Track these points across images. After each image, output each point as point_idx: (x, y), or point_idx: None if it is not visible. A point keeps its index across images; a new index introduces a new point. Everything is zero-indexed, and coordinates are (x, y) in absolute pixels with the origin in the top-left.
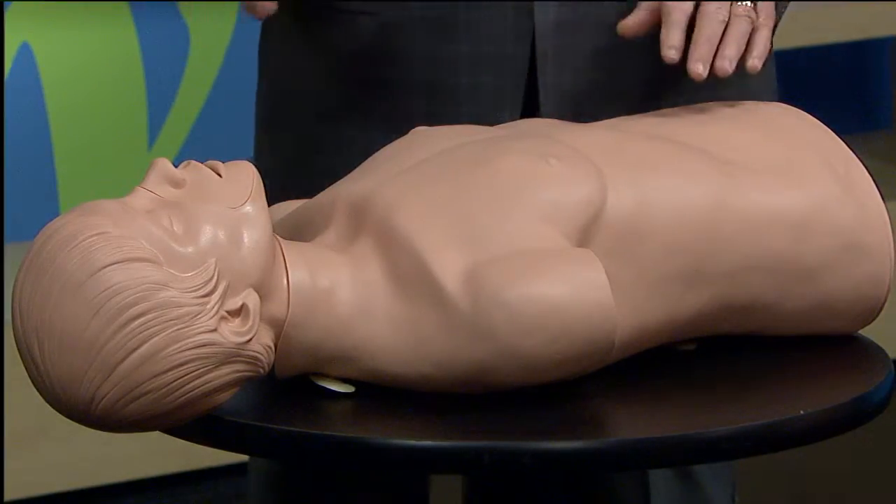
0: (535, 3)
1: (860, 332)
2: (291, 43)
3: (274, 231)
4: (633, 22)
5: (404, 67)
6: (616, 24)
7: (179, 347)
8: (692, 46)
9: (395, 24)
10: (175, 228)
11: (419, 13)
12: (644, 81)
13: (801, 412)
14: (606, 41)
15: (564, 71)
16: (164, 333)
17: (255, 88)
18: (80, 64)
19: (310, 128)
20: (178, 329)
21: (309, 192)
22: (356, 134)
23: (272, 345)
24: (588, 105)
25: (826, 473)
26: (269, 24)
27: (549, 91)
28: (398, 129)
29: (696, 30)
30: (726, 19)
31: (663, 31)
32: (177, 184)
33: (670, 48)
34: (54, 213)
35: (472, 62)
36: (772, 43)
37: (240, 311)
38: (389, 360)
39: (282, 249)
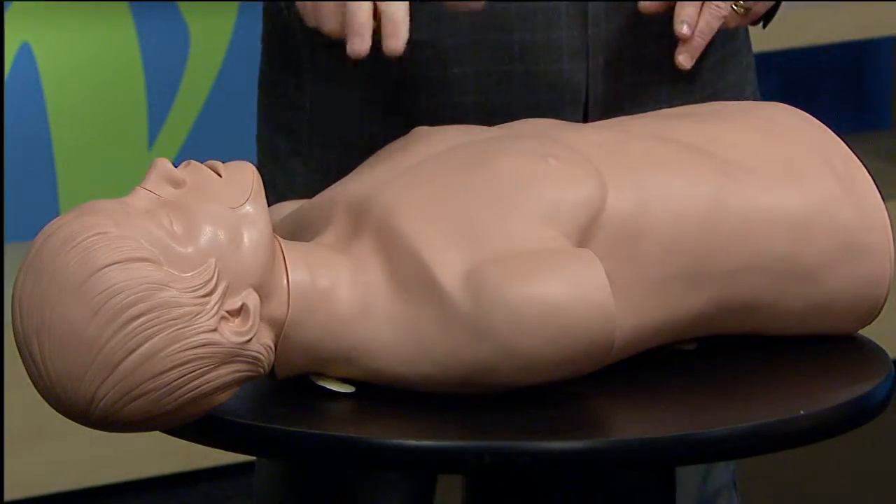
0: (590, 22)
1: (860, 332)
2: (335, 73)
3: (274, 231)
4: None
5: (456, 91)
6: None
7: (179, 347)
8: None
9: (449, 49)
10: (175, 228)
11: (473, 37)
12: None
13: (801, 412)
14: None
15: (613, 82)
16: (164, 333)
17: (256, 88)
18: (80, 64)
19: (356, 157)
20: (178, 329)
21: None
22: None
23: (272, 345)
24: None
25: (826, 473)
26: (295, 55)
27: (598, 103)
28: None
29: (699, 19)
30: (724, 17)
31: (678, 6)
32: (177, 184)
33: (682, 23)
34: (54, 213)
35: (527, 82)
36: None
37: (240, 311)
38: (389, 360)
39: (282, 249)
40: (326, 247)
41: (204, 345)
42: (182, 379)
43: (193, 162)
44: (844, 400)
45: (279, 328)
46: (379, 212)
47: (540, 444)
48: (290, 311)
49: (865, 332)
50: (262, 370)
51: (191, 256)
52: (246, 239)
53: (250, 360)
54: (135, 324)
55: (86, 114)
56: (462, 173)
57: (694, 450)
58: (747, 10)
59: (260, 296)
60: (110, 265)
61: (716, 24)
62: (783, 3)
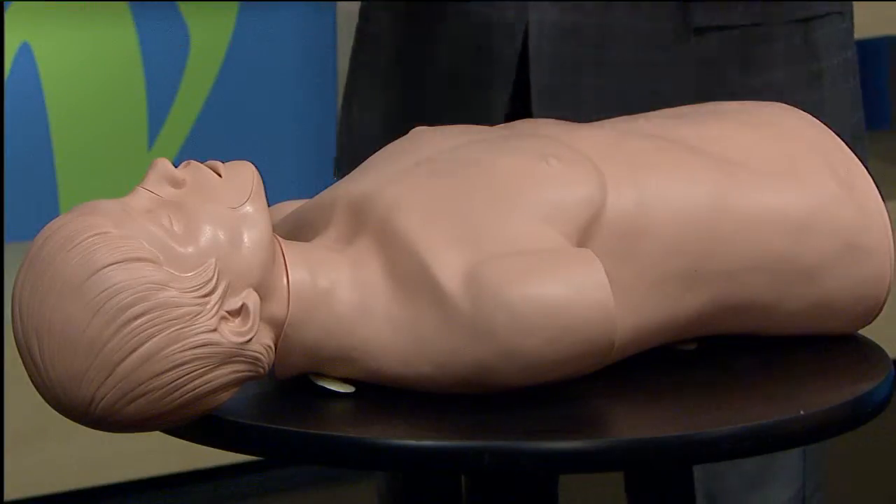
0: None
1: (860, 332)
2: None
3: (274, 231)
4: None
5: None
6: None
7: (179, 347)
8: None
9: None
10: (175, 228)
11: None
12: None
13: (801, 412)
14: (606, 50)
15: (556, 75)
16: (164, 333)
17: (256, 88)
18: (80, 64)
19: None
20: (178, 329)
21: None
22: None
23: (272, 345)
24: (584, 110)
25: (826, 473)
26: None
27: (542, 94)
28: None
29: None
30: None
31: None
32: (177, 184)
33: None
34: (54, 213)
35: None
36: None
37: (240, 311)
38: (389, 360)
39: (282, 249)
40: (326, 247)
41: (204, 345)
42: (182, 379)
43: (193, 162)
44: (844, 400)
45: (279, 328)
46: (379, 212)
47: (540, 444)
48: (290, 310)
49: (865, 332)
50: (262, 370)
51: (191, 256)
52: (246, 239)
53: (250, 361)
54: (135, 324)
55: (86, 114)
56: (463, 173)
57: (694, 450)
58: None
59: (260, 296)
60: (110, 265)
61: None
62: None
